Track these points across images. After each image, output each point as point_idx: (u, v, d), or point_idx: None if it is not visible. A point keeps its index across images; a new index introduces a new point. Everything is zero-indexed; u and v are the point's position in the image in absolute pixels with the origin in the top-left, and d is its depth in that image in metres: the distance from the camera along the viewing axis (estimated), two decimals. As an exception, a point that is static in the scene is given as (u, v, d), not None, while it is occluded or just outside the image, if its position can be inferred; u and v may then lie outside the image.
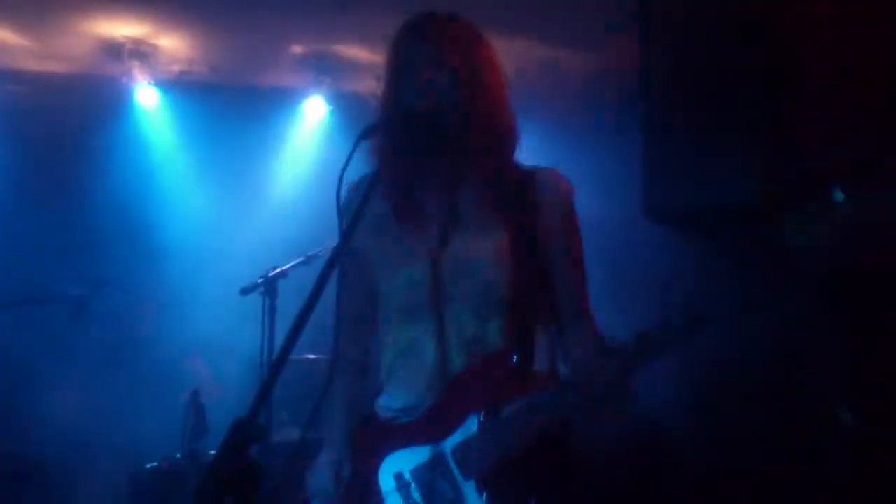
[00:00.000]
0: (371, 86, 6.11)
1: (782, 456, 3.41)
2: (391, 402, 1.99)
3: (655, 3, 3.54)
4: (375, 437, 1.99)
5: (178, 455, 3.63)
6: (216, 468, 1.46)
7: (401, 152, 1.90)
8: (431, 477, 1.86)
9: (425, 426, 1.90)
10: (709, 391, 3.68)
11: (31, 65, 5.20)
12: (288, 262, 3.82)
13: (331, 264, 1.64)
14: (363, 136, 1.79)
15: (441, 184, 1.98)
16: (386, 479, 1.93)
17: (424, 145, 1.92)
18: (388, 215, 2.01)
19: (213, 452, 3.82)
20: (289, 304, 3.72)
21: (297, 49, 5.21)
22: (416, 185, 1.99)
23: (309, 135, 5.56)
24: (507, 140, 1.97)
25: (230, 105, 5.29)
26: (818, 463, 3.23)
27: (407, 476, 1.90)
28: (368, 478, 1.95)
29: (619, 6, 4.12)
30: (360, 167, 1.89)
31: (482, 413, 1.83)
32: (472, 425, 1.84)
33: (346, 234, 1.76)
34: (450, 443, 1.86)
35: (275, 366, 1.55)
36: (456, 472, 1.84)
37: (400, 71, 1.95)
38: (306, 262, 3.86)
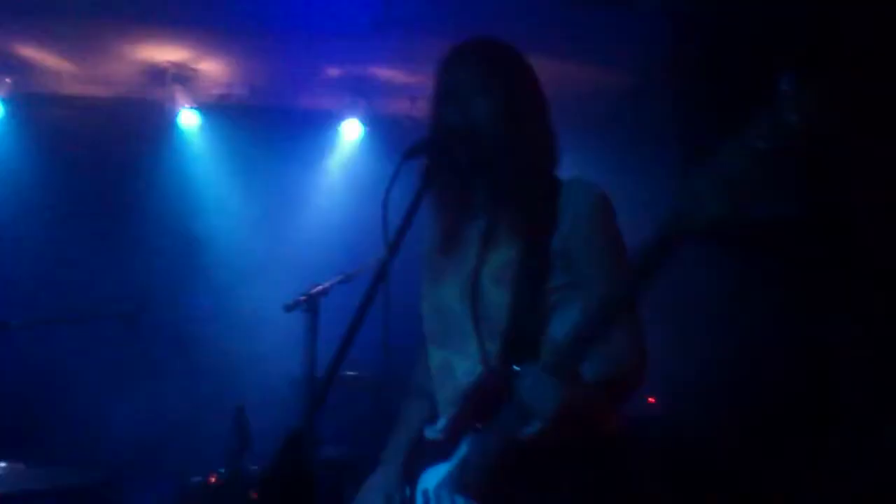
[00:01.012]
0: (405, 107, 6.24)
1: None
2: (435, 422, 2.03)
3: (688, 25, 3.58)
4: (417, 458, 2.04)
5: (223, 469, 3.70)
6: (271, 477, 1.52)
7: (439, 174, 1.92)
8: (440, 495, 1.90)
9: (446, 444, 1.93)
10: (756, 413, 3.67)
11: (77, 89, 5.35)
12: (328, 280, 3.88)
13: (376, 282, 1.70)
14: (406, 156, 1.84)
15: (479, 208, 2.03)
16: (419, 498, 1.98)
17: (464, 168, 1.97)
18: (432, 245, 2.09)
19: (255, 467, 3.88)
20: (330, 322, 3.78)
21: (333, 72, 5.30)
22: (453, 214, 2.04)
23: (345, 155, 5.64)
24: (544, 163, 1.99)
25: (269, 127, 5.41)
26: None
27: (430, 493, 1.94)
28: (412, 497, 2.01)
29: (654, 27, 4.17)
30: (402, 186, 1.94)
31: (480, 424, 1.85)
32: (468, 442, 1.87)
33: (391, 251, 1.78)
34: (454, 459, 1.90)
35: (326, 379, 1.60)
36: (454, 489, 1.87)
37: (443, 94, 2.00)
38: (346, 280, 3.92)
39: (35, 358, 4.55)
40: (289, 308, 3.72)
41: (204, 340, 4.73)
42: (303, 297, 3.73)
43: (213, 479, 3.67)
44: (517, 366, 1.81)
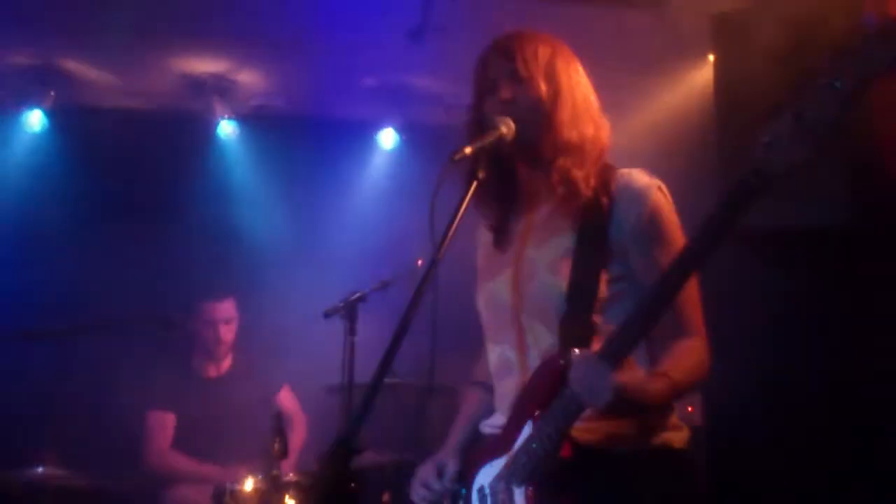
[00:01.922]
0: (441, 116, 6.24)
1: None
2: (493, 418, 2.05)
3: (729, 31, 3.55)
4: (473, 454, 2.05)
5: (260, 476, 3.72)
6: (321, 481, 1.52)
7: (489, 171, 1.89)
8: (498, 488, 1.88)
9: (502, 438, 1.93)
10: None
11: (117, 102, 5.42)
12: (365, 287, 3.91)
13: (422, 286, 1.70)
14: (452, 159, 1.82)
15: (524, 201, 2.04)
16: (475, 494, 1.97)
17: (510, 160, 1.98)
18: (487, 241, 2.11)
19: (291, 475, 3.90)
20: (367, 328, 3.80)
21: (369, 81, 5.33)
22: (502, 208, 2.05)
23: (382, 164, 5.68)
24: (590, 149, 1.96)
25: (306, 136, 5.45)
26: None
27: (486, 490, 1.93)
28: (467, 496, 1.99)
29: (694, 34, 4.14)
30: (448, 190, 1.93)
31: (535, 416, 1.83)
32: (526, 432, 1.85)
33: (436, 252, 1.76)
34: (511, 452, 1.88)
35: (373, 384, 1.60)
36: (512, 480, 1.85)
37: (483, 89, 2.01)
38: (383, 287, 3.94)
39: (75, 364, 4.61)
40: (328, 314, 3.76)
41: (243, 347, 4.76)
42: (341, 304, 3.77)
43: (249, 485, 3.69)
44: (570, 347, 1.80)
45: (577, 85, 2.00)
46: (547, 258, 1.93)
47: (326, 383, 4.21)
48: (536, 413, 1.83)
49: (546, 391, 1.81)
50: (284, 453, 3.65)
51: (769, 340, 3.74)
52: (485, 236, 2.14)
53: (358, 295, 3.83)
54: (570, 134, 1.94)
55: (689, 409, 4.39)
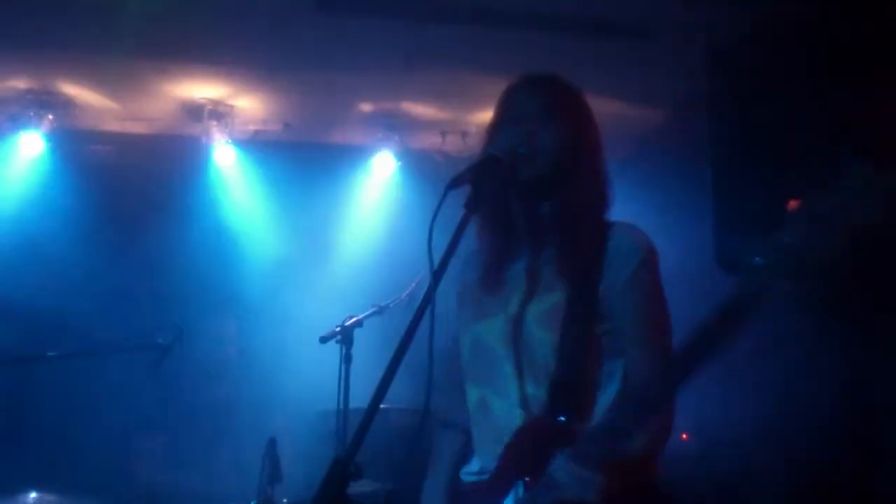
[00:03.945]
0: (437, 142, 6.27)
1: None
2: (473, 464, 2.01)
3: (722, 60, 3.60)
4: (458, 500, 2.02)
5: (254, 502, 3.69)
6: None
7: (488, 203, 1.90)
8: None
9: (489, 490, 1.89)
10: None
11: (115, 126, 5.46)
12: (361, 313, 3.92)
13: (420, 313, 1.69)
14: (451, 185, 1.81)
15: (524, 244, 2.01)
16: None
17: (511, 196, 1.96)
18: (473, 280, 2.06)
19: (286, 500, 3.88)
20: (363, 354, 3.80)
21: (366, 107, 5.38)
22: (501, 248, 2.02)
23: (379, 189, 5.70)
24: (597, 201, 1.98)
25: (303, 162, 5.49)
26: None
27: None
28: None
29: (686, 62, 4.20)
30: (447, 216, 1.94)
31: (527, 478, 1.81)
32: (519, 490, 1.82)
33: (434, 283, 1.76)
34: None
35: (370, 409, 1.60)
36: None
37: (509, 119, 1.99)
38: (379, 312, 3.95)
39: (69, 389, 4.60)
40: (324, 339, 3.76)
41: (236, 372, 4.75)
42: (337, 329, 3.76)
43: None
44: (562, 413, 1.81)
45: (597, 137, 2.02)
46: (538, 311, 1.92)
47: (321, 408, 4.20)
48: (527, 479, 1.82)
49: (537, 453, 1.82)
50: (278, 478, 3.63)
51: (761, 372, 3.76)
52: (469, 275, 2.08)
53: (354, 320, 3.83)
54: (584, 180, 1.95)
55: (683, 436, 4.39)
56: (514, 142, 1.91)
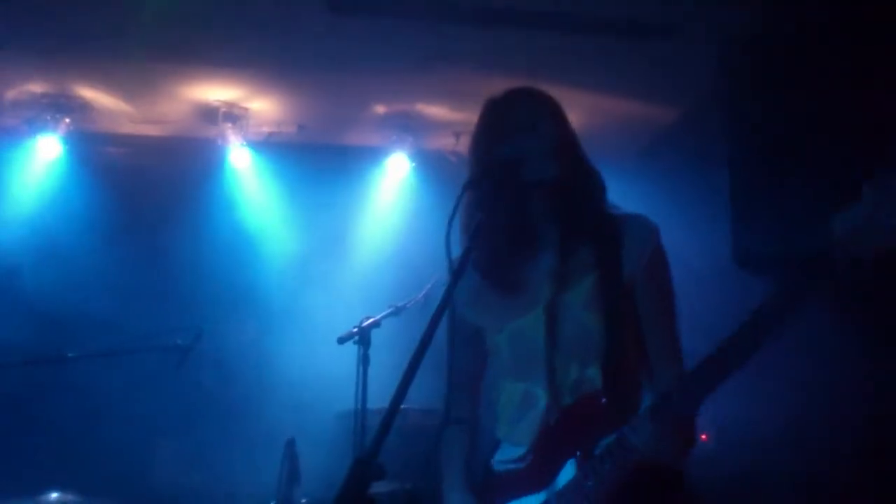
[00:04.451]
0: (450, 142, 6.27)
1: None
2: (510, 454, 2.05)
3: (738, 62, 3.58)
4: (493, 491, 2.05)
5: (273, 502, 3.71)
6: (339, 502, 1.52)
7: (500, 204, 1.95)
8: None
9: (533, 474, 1.95)
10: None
11: (131, 129, 5.49)
12: (378, 313, 3.93)
13: (439, 314, 1.71)
14: (467, 187, 1.88)
15: (545, 239, 2.08)
16: None
17: (521, 199, 2.02)
18: (481, 283, 2.11)
19: (304, 501, 3.89)
20: (380, 354, 3.81)
21: (380, 108, 5.38)
22: (517, 246, 2.08)
23: (393, 190, 5.70)
24: (599, 193, 2.09)
25: (317, 163, 5.50)
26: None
27: None
28: None
29: (703, 61, 4.18)
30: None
31: (578, 455, 1.88)
32: (571, 469, 1.88)
33: (452, 283, 1.79)
34: (555, 488, 1.90)
35: (392, 407, 1.60)
36: None
37: (503, 127, 2.07)
38: (396, 312, 3.96)
39: (89, 389, 4.63)
40: (341, 340, 3.77)
41: (254, 373, 4.77)
42: (355, 329, 3.77)
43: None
44: (610, 391, 1.89)
45: (575, 137, 2.13)
46: (579, 298, 2.00)
47: (340, 409, 4.22)
48: (578, 453, 1.87)
49: (586, 430, 1.89)
50: (297, 479, 3.65)
51: (794, 360, 3.74)
52: (473, 278, 2.11)
53: (371, 321, 3.85)
54: (577, 174, 2.06)
55: (703, 436, 4.37)
56: (512, 146, 1.99)
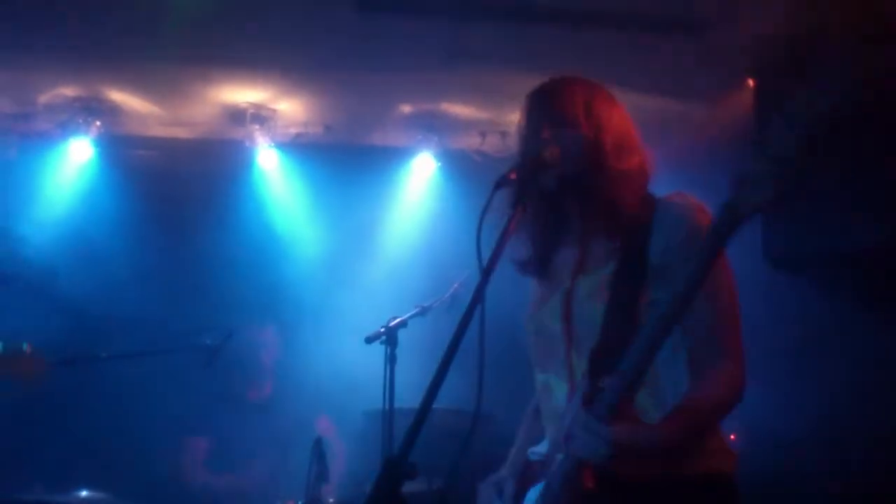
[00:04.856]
0: (476, 142, 6.27)
1: None
2: (541, 444, 2.08)
3: (770, 56, 3.54)
4: (524, 478, 2.08)
5: (301, 502, 3.73)
6: (372, 502, 1.53)
7: (532, 202, 1.97)
8: None
9: (545, 463, 1.96)
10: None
11: (160, 131, 5.55)
12: (405, 313, 3.93)
13: (471, 310, 1.71)
14: (499, 184, 1.87)
15: (572, 231, 2.07)
16: None
17: (554, 195, 2.02)
18: (532, 269, 2.13)
19: (332, 501, 3.90)
20: (407, 354, 3.81)
21: (406, 108, 5.39)
22: (550, 239, 2.09)
23: (419, 190, 5.71)
24: (635, 179, 2.03)
25: (344, 164, 5.52)
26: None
27: None
28: None
29: (731, 59, 4.13)
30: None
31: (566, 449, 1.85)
32: (558, 460, 1.87)
33: (483, 281, 1.78)
34: (547, 478, 1.91)
35: (424, 406, 1.60)
36: None
37: (535, 124, 2.06)
38: (423, 312, 3.96)
39: (120, 389, 4.69)
40: (369, 340, 3.78)
41: (282, 373, 4.80)
42: (382, 329, 3.78)
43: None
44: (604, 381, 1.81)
45: (618, 119, 2.06)
46: (590, 286, 1.97)
47: (367, 408, 4.22)
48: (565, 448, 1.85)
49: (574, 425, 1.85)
50: (325, 478, 3.66)
51: (807, 362, 3.70)
52: (531, 262, 2.16)
53: (398, 321, 3.85)
54: (614, 165, 1.99)
55: (732, 436, 4.32)
56: (544, 147, 1.96)
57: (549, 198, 2.02)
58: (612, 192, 1.98)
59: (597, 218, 2.01)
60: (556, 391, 2.00)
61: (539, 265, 2.10)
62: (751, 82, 4.41)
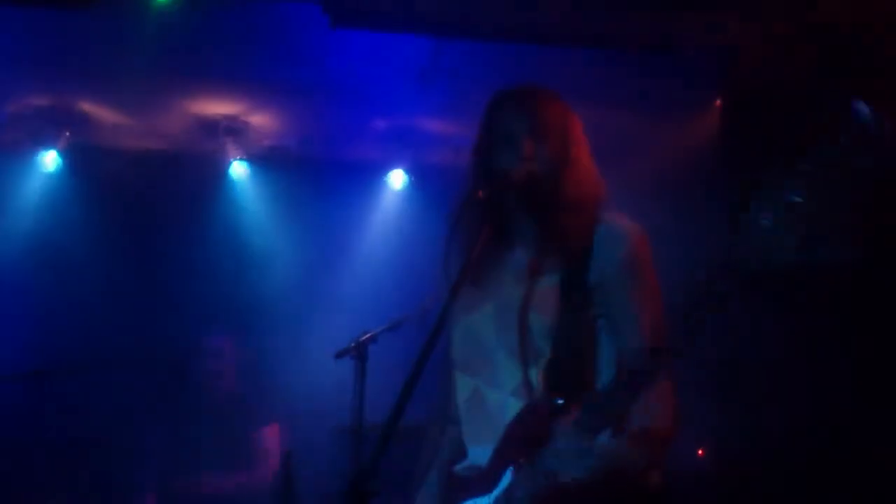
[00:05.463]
0: (450, 157, 6.27)
1: None
2: (464, 456, 2.04)
3: (738, 77, 3.59)
4: (451, 492, 2.04)
5: (269, 518, 3.70)
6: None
7: (495, 216, 1.97)
8: None
9: (482, 480, 1.93)
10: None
11: (131, 143, 5.49)
12: (375, 328, 3.92)
13: (439, 327, 1.71)
14: (468, 203, 1.91)
15: (509, 238, 2.07)
16: None
17: (514, 209, 2.03)
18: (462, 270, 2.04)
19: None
20: (377, 369, 3.80)
21: (380, 123, 5.40)
22: (498, 248, 2.07)
23: (392, 205, 5.72)
24: (590, 208, 2.03)
25: (317, 177, 5.51)
26: None
27: None
28: None
29: (700, 80, 4.19)
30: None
31: (521, 461, 1.85)
32: (508, 478, 1.86)
33: (452, 294, 1.80)
34: (493, 495, 1.89)
35: (389, 424, 1.60)
36: None
37: (498, 140, 2.06)
38: (394, 327, 3.95)
39: (81, 403, 4.63)
40: (339, 355, 3.76)
41: (251, 388, 4.76)
42: (352, 345, 3.76)
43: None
44: (560, 397, 1.83)
45: (584, 146, 2.08)
46: (532, 296, 1.97)
47: (336, 424, 4.20)
48: (520, 461, 1.84)
49: (533, 439, 1.84)
50: (292, 495, 3.63)
51: (774, 380, 3.73)
52: (466, 264, 2.03)
53: (369, 335, 3.83)
54: (576, 192, 2.02)
55: (700, 452, 4.35)
56: (506, 165, 1.99)
57: (500, 206, 2.01)
58: (567, 218, 1.99)
59: (546, 237, 2.02)
60: (488, 397, 1.99)
61: (479, 269, 2.03)
62: (717, 103, 4.47)
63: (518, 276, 2.02)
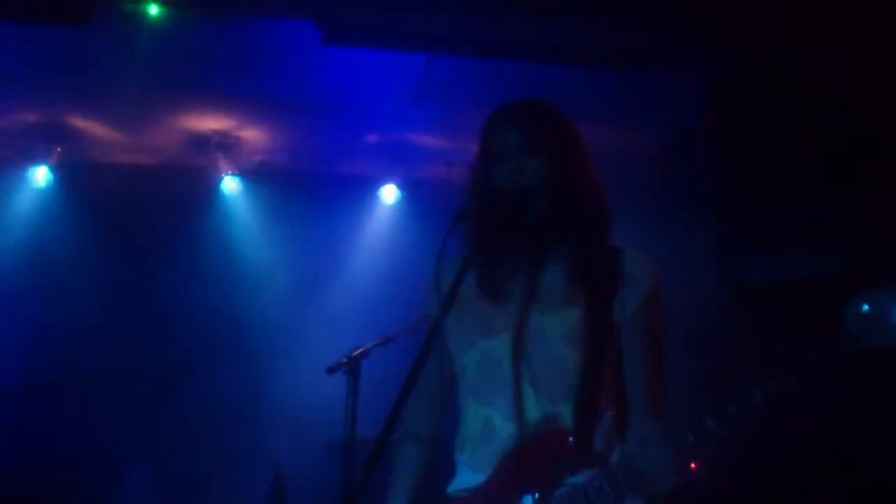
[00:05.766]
0: (442, 172, 6.26)
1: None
2: (468, 480, 1.97)
3: (726, 95, 3.62)
4: None
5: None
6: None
7: (489, 231, 1.93)
8: None
9: (481, 501, 1.90)
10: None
11: (123, 158, 5.50)
12: (367, 343, 3.91)
13: (429, 340, 1.71)
14: (459, 217, 1.86)
15: (525, 263, 2.00)
16: None
17: (512, 225, 1.96)
18: (470, 293, 1.99)
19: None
20: (369, 384, 3.79)
21: (372, 139, 5.41)
22: (502, 263, 2.00)
23: (384, 220, 5.73)
24: (595, 222, 1.98)
25: (309, 192, 5.52)
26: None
27: None
28: None
29: (688, 93, 4.22)
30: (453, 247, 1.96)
31: (537, 493, 1.82)
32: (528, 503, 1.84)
33: (443, 309, 1.79)
34: None
35: (381, 439, 1.60)
36: None
37: (492, 155, 2.01)
38: (386, 342, 3.94)
39: (73, 418, 4.60)
40: (331, 370, 3.75)
41: (243, 403, 4.75)
42: (344, 360, 3.75)
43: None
44: (584, 431, 1.85)
45: (583, 159, 2.03)
46: (560, 329, 1.92)
47: (329, 439, 4.18)
48: (537, 494, 1.83)
49: (549, 466, 1.84)
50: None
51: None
52: (469, 286, 1.98)
53: (361, 350, 3.83)
54: (576, 205, 1.96)
55: (693, 465, 4.34)
56: (499, 181, 1.94)
57: (504, 228, 1.96)
58: (571, 231, 1.95)
59: (556, 252, 1.98)
60: (501, 430, 1.93)
61: (491, 289, 1.99)
62: (707, 119, 4.50)
63: (541, 302, 1.95)
